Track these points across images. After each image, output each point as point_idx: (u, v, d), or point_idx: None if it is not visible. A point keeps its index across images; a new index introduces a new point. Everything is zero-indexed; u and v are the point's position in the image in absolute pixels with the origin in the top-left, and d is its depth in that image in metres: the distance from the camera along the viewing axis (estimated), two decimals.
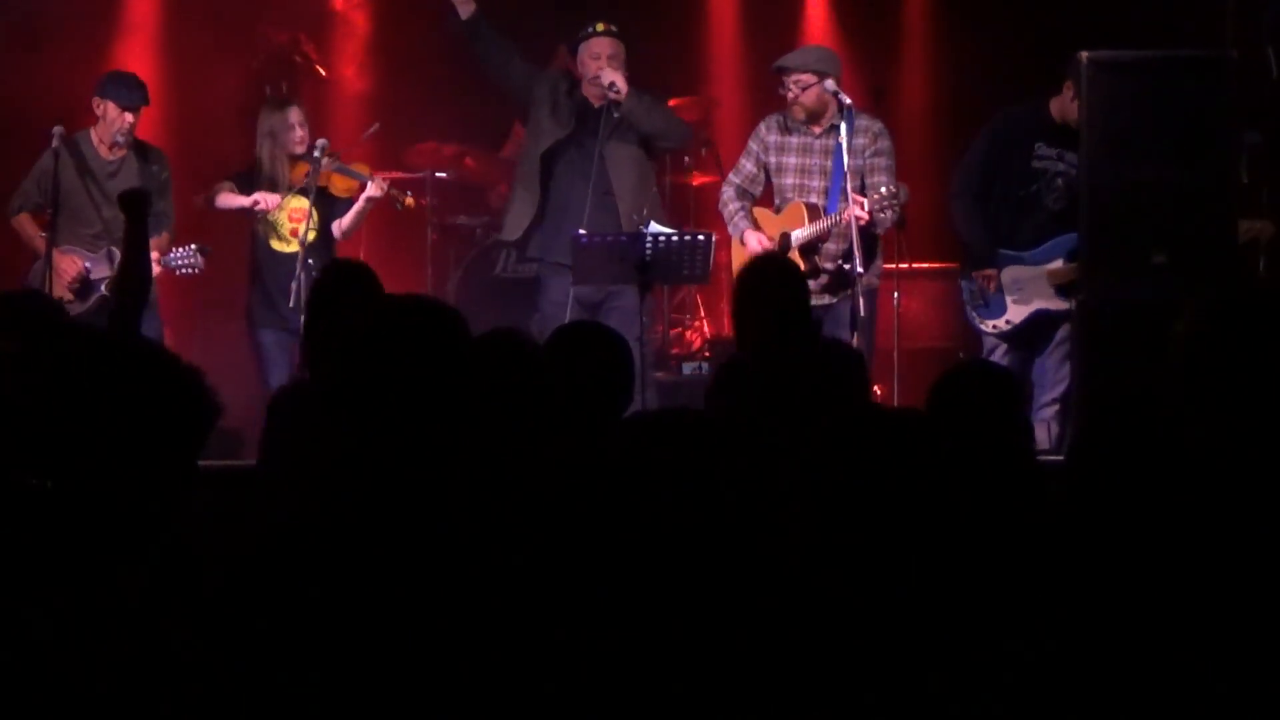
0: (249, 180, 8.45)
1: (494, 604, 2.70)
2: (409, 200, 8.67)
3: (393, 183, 8.63)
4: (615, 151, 8.15)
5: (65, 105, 8.68)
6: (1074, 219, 7.92)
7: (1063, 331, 8.06)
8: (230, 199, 8.45)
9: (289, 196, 8.33)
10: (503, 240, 8.74)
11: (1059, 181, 8.11)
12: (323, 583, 2.72)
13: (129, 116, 8.25)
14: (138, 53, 10.02)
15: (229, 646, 2.53)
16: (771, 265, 5.88)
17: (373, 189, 8.31)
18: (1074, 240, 7.95)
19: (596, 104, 8.18)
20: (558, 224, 8.14)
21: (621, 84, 8.02)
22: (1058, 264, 8.08)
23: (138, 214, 5.81)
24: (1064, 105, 8.05)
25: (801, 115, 8.06)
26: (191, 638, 2.34)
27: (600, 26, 8.20)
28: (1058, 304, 8.07)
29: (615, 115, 8.11)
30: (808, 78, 7.99)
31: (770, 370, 4.96)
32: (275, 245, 8.36)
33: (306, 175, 8.29)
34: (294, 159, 8.39)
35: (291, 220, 8.34)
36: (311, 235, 8.18)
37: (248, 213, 8.41)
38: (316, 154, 8.25)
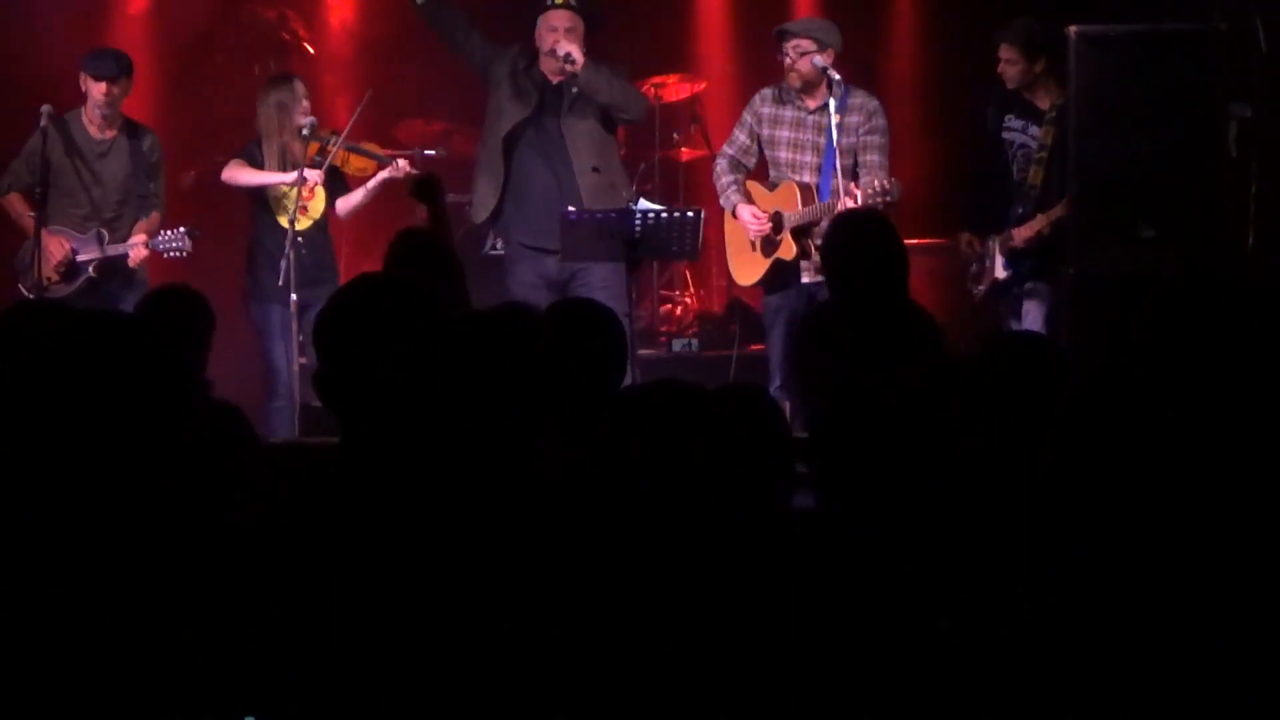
0: (254, 157, 8.32)
1: (494, 590, 2.70)
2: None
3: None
4: (575, 127, 8.05)
5: (57, 87, 8.64)
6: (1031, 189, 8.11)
7: (1026, 304, 8.14)
8: (250, 175, 8.28)
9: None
10: (472, 222, 8.63)
11: (1020, 153, 8.18)
12: (319, 566, 2.72)
13: (104, 85, 8.20)
14: (127, 32, 10.00)
15: (219, 626, 2.54)
16: (867, 220, 5.82)
17: (391, 171, 8.22)
18: (1019, 213, 8.09)
19: (555, 80, 8.07)
20: (519, 205, 8.07)
21: (578, 55, 7.89)
22: (1007, 233, 8.15)
23: (429, 200, 5.62)
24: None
25: (797, 83, 8.00)
26: (179, 614, 2.34)
27: None
28: (1004, 272, 8.19)
29: (574, 90, 8.01)
30: (807, 43, 7.96)
31: (858, 321, 5.09)
32: (283, 221, 8.12)
33: (319, 153, 8.25)
34: (305, 138, 8.24)
35: (303, 199, 8.20)
36: (319, 212, 8.22)
37: (253, 190, 8.32)
38: (306, 133, 8.20)
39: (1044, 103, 8.10)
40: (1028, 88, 8.11)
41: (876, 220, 5.71)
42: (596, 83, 7.97)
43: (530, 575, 2.69)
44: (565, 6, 8.07)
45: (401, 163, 8.31)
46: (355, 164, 8.38)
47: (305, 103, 8.28)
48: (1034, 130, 8.13)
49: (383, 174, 8.27)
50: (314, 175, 8.18)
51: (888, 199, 7.61)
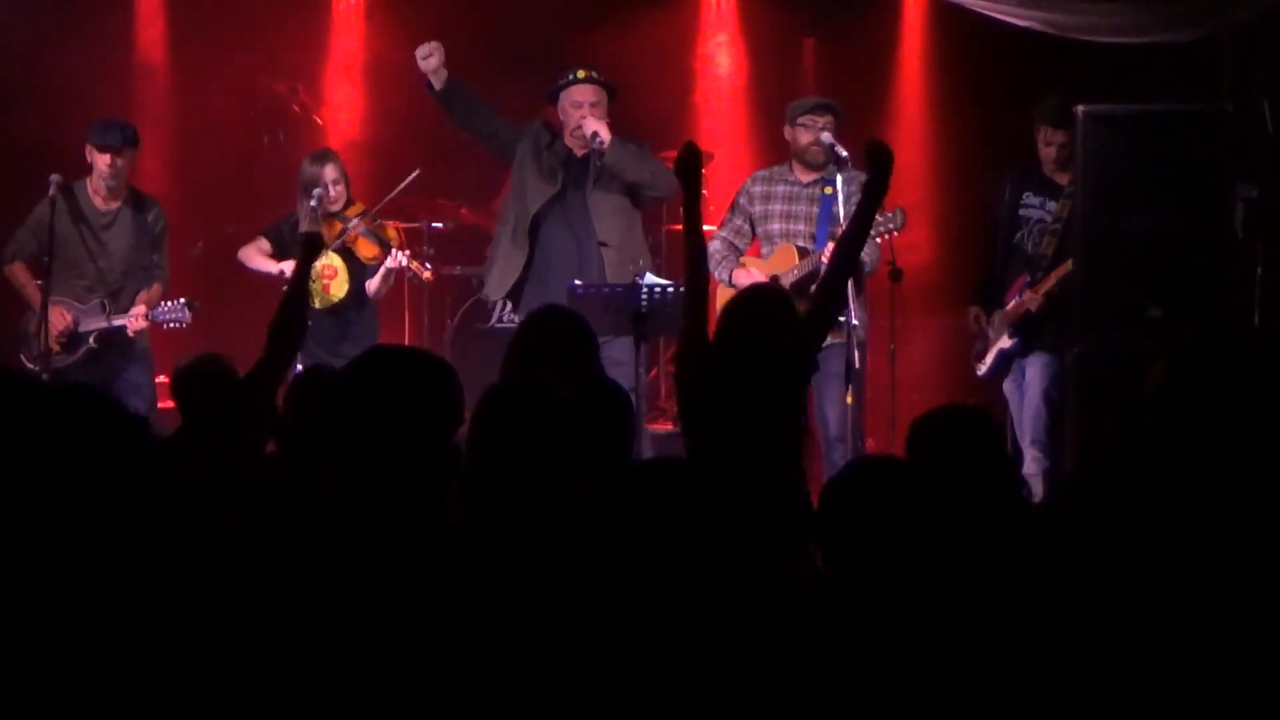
0: (280, 236, 8.45)
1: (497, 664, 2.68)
2: (426, 275, 8.57)
3: (411, 253, 8.53)
4: (601, 201, 8.02)
5: (65, 154, 8.66)
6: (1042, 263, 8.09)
7: (1029, 375, 8.12)
8: (258, 260, 8.44)
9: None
10: (484, 299, 8.55)
11: (1035, 227, 8.18)
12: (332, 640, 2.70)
13: (108, 157, 8.20)
14: (139, 103, 10.04)
15: (205, 678, 2.53)
16: (762, 293, 5.85)
17: (391, 261, 8.30)
18: (1027, 281, 8.10)
19: (579, 153, 8.06)
20: (543, 279, 8.00)
21: (605, 134, 7.89)
22: (1011, 304, 8.15)
23: (305, 255, 5.59)
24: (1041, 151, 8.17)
25: (820, 157, 8.00)
26: (164, 660, 2.34)
27: (580, 73, 8.05)
28: (1007, 343, 8.19)
29: (599, 164, 7.97)
30: (831, 120, 7.98)
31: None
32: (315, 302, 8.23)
33: (337, 235, 8.28)
34: (328, 217, 8.34)
35: (323, 277, 8.32)
36: (342, 293, 8.24)
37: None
38: (313, 204, 8.21)
39: (1063, 179, 8.12)
40: (1063, 165, 8.10)
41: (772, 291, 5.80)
42: (624, 161, 7.94)
43: (534, 648, 2.67)
44: (588, 80, 8.05)
45: (398, 255, 8.29)
46: (365, 250, 8.36)
47: (334, 189, 8.31)
48: (1051, 206, 8.15)
49: (384, 263, 8.29)
50: (289, 269, 8.06)
51: (891, 227, 7.61)
